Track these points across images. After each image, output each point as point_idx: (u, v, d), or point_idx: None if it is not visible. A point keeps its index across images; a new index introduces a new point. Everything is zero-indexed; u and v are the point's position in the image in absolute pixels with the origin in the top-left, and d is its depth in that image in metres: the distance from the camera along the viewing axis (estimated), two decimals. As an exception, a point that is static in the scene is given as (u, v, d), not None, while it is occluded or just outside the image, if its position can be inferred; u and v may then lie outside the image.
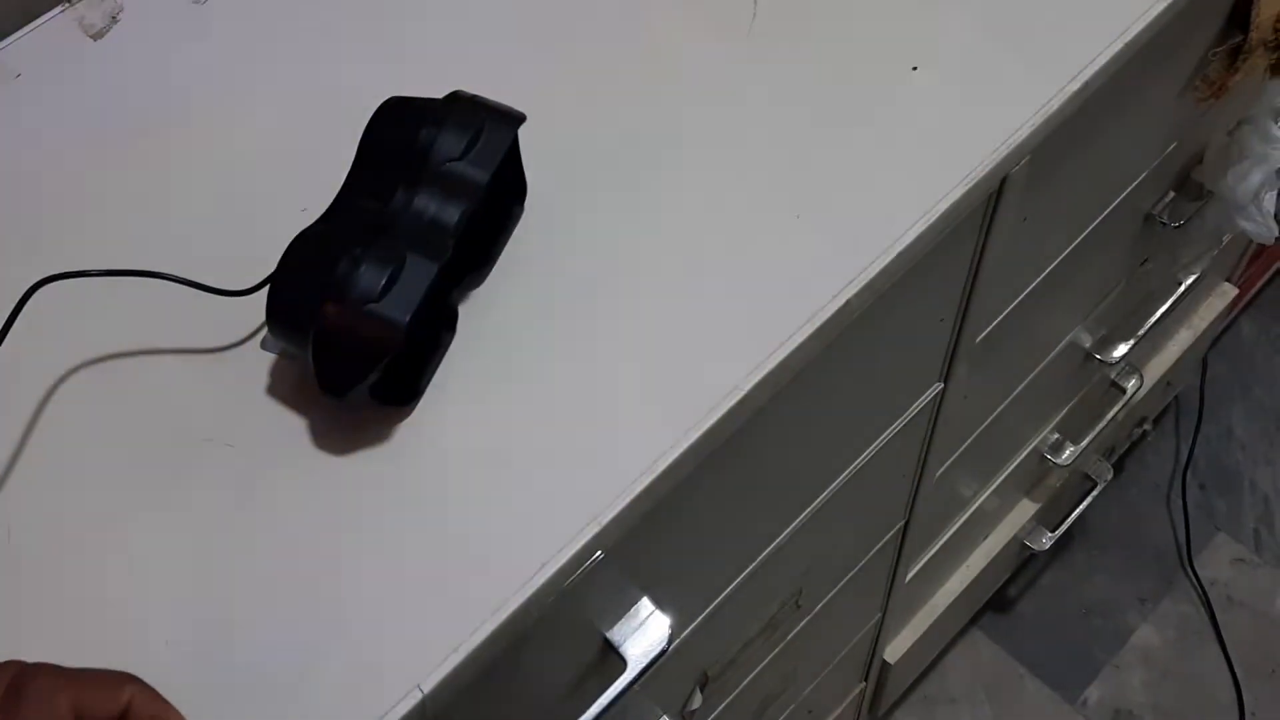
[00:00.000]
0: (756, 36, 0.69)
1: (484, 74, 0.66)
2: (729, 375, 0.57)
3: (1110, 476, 1.49)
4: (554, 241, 0.63)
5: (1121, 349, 1.20)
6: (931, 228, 0.61)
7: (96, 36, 0.72)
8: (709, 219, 0.63)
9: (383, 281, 0.53)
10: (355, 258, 0.53)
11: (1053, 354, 1.05)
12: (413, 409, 0.58)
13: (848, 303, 0.59)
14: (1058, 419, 1.26)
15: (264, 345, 0.60)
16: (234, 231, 0.64)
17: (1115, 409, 1.35)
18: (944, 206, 0.62)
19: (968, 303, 0.76)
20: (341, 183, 0.59)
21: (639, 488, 0.55)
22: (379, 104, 0.59)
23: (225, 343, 0.60)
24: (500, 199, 0.61)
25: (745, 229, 0.62)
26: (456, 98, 0.58)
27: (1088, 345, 1.16)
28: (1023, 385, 1.03)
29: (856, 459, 0.80)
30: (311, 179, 0.62)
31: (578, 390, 0.58)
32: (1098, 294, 1.05)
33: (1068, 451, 1.32)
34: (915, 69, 0.67)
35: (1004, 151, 0.63)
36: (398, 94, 0.59)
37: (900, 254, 0.60)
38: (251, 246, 0.61)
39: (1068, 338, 1.06)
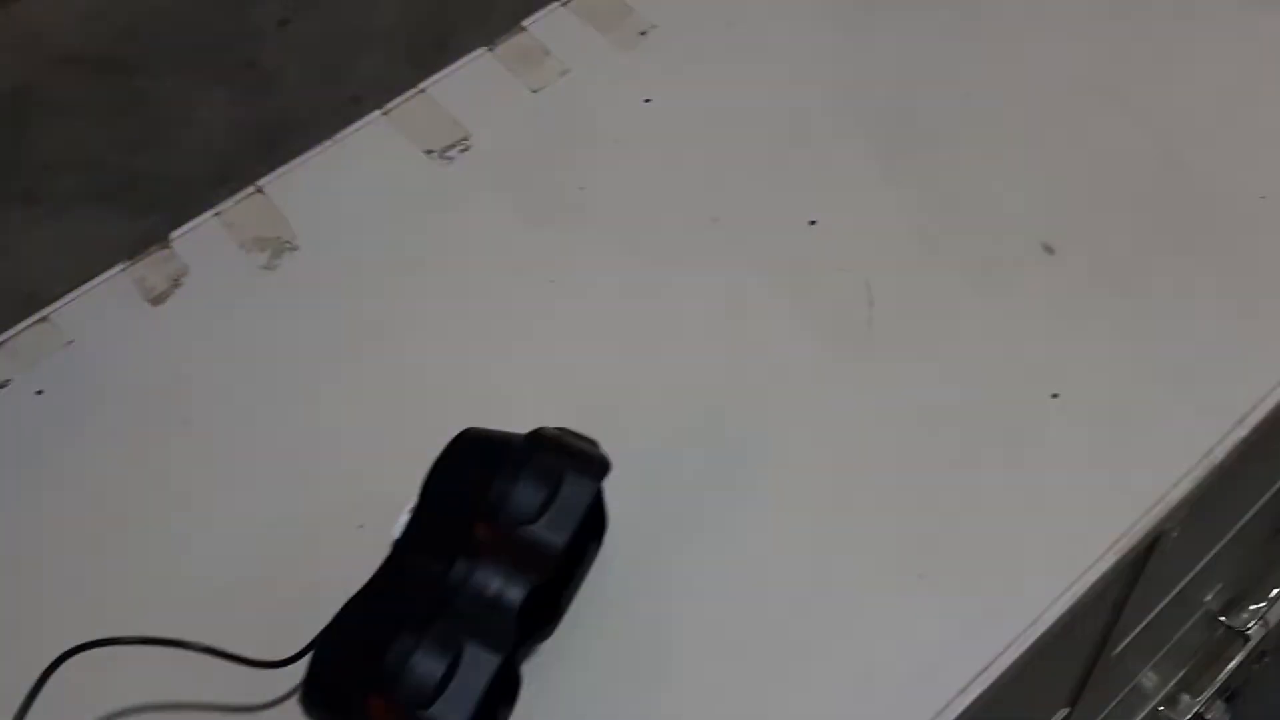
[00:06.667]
0: (872, 350, 0.61)
1: (579, 375, 0.59)
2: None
3: (1228, 719, 1.37)
4: (634, 584, 0.55)
5: (1252, 608, 1.09)
6: (1079, 601, 0.53)
7: (156, 301, 0.67)
8: (812, 569, 0.55)
9: (437, 678, 0.46)
10: (407, 647, 0.46)
11: (1181, 631, 0.95)
12: (465, 798, 0.50)
13: (978, 696, 0.51)
14: (1178, 677, 1.15)
15: (301, 701, 0.53)
16: (284, 551, 0.57)
17: (1239, 657, 1.24)
18: (1091, 578, 0.53)
19: (1107, 636, 0.67)
20: (404, 505, 0.52)
21: None
22: (457, 425, 0.53)
23: (261, 700, 0.53)
24: (574, 546, 0.54)
25: (856, 586, 0.54)
26: (537, 441, 0.51)
27: (1215, 609, 1.05)
28: (1148, 668, 0.93)
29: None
30: (375, 490, 0.56)
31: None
32: (1232, 572, 0.95)
33: (1184, 703, 1.22)
34: (1055, 396, 0.59)
35: (1161, 511, 0.55)
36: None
37: (1038, 639, 0.52)
38: (301, 574, 0.55)
39: (1197, 614, 0.96)
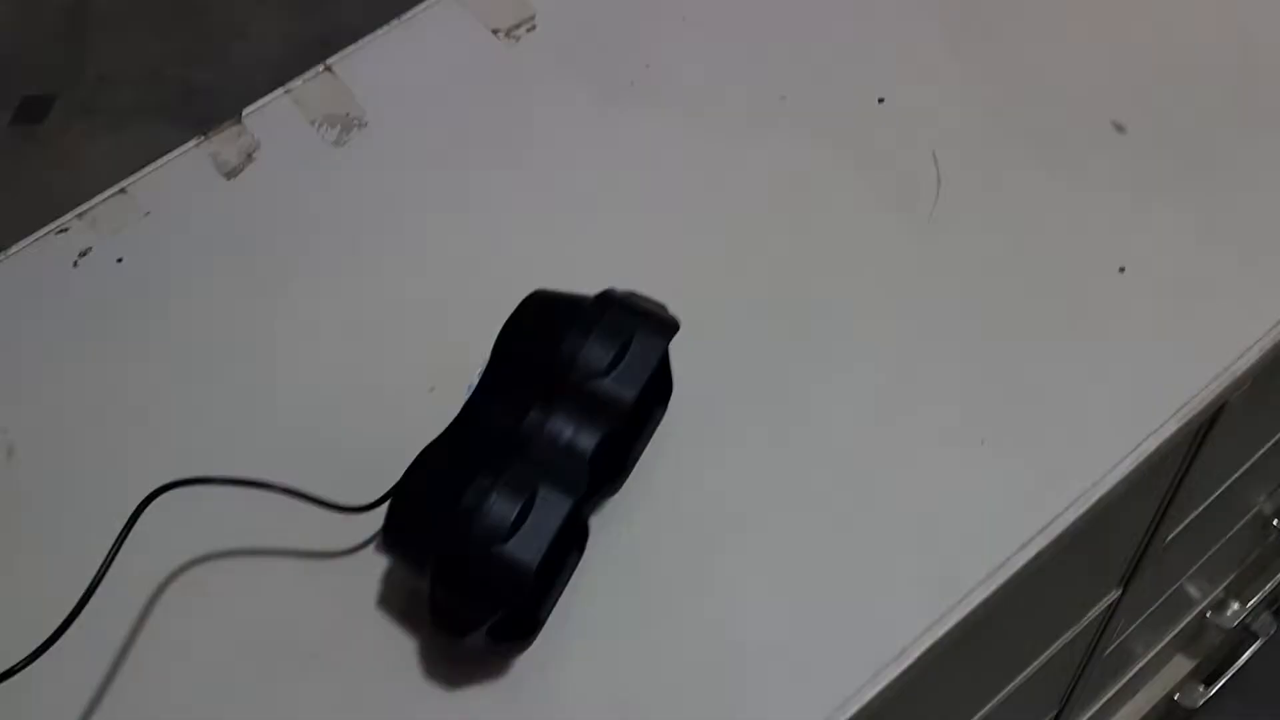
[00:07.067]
0: (938, 223, 0.62)
1: (646, 248, 0.60)
2: (895, 634, 0.50)
3: (1274, 631, 1.37)
4: (699, 448, 0.56)
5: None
6: (1137, 469, 0.53)
7: (230, 175, 0.68)
8: (876, 436, 0.56)
9: (512, 518, 0.47)
10: (483, 487, 0.48)
11: (1232, 531, 0.96)
12: (533, 640, 0.52)
13: (1037, 554, 0.52)
14: (1226, 581, 1.16)
15: (378, 548, 0.55)
16: (357, 411, 0.59)
17: (1289, 565, 1.24)
18: (1154, 444, 0.54)
19: (1162, 516, 0.68)
20: (474, 369, 0.53)
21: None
22: (525, 294, 0.54)
23: (340, 546, 0.55)
24: (642, 402, 0.55)
25: (918, 451, 0.55)
26: (607, 300, 0.52)
27: (1268, 512, 1.05)
28: (1196, 567, 0.94)
29: (1019, 674, 0.72)
30: (446, 355, 0.58)
31: (718, 628, 0.52)
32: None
33: (1232, 610, 1.22)
34: (1122, 270, 0.59)
35: (1225, 380, 0.55)
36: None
37: (1097, 500, 0.53)
38: (374, 434, 0.57)
39: (1251, 513, 0.96)
